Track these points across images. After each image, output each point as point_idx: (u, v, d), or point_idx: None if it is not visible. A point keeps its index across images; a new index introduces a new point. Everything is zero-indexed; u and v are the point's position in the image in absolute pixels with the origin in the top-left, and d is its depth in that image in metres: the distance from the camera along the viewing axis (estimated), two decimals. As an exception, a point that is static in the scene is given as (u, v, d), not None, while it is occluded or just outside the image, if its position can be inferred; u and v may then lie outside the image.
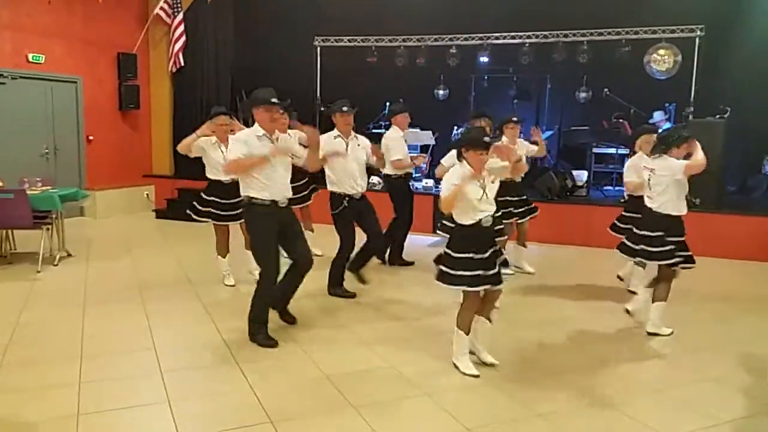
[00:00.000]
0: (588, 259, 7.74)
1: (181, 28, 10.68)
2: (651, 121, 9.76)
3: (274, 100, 4.39)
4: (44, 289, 5.98)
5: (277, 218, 4.45)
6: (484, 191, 3.93)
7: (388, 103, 10.74)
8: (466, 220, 3.95)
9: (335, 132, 5.68)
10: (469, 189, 3.87)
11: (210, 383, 3.93)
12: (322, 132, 5.61)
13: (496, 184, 4.04)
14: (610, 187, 9.78)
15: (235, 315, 4.94)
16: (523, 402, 3.71)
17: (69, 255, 7.17)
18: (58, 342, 4.55)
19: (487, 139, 3.95)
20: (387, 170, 6.75)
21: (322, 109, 10.89)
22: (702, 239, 5.92)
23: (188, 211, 6.08)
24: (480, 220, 3.91)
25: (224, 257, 6.12)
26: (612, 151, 9.99)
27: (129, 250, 7.69)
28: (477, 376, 4.00)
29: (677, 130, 5.19)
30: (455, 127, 10.40)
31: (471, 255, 3.91)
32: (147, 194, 10.76)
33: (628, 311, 5.27)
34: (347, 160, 5.51)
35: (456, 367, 4.10)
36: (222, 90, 10.99)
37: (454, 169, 4.02)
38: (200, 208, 5.99)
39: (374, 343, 4.61)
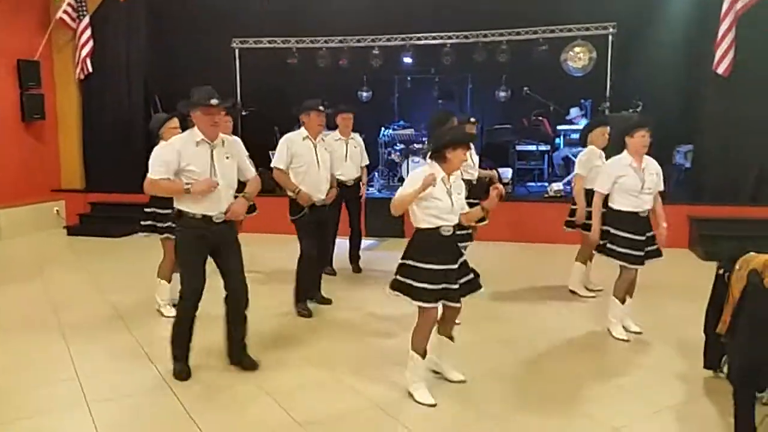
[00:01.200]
0: (518, 254, 7.86)
1: (88, 32, 10.05)
2: (567, 117, 10.10)
3: (213, 101, 3.84)
4: (-55, 319, 5.43)
5: (208, 235, 3.91)
6: (450, 198, 3.61)
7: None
8: (424, 225, 3.64)
9: (303, 132, 5.28)
10: (437, 192, 3.57)
11: (142, 411, 3.65)
12: (244, 138, 5.34)
13: (462, 196, 3.73)
14: (533, 183, 10.01)
15: (163, 336, 4.63)
16: (474, 404, 3.66)
17: (-28, 280, 6.57)
18: (-35, 378, 4.11)
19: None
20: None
21: (244, 113, 10.57)
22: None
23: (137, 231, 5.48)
24: (440, 227, 3.60)
25: (169, 281, 5.35)
26: (533, 148, 10.23)
27: (40, 271, 7.13)
28: (434, 405, 3.62)
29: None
30: (381, 129, 10.35)
31: (433, 266, 3.57)
32: (57, 210, 10.06)
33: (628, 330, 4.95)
34: (318, 168, 5.23)
35: (411, 395, 3.72)
36: (135, 96, 10.43)
37: (422, 169, 3.69)
38: (141, 222, 5.34)
39: (320, 358, 4.44)
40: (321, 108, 5.27)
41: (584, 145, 5.85)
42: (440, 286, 3.57)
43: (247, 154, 4.26)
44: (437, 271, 3.57)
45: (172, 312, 5.00)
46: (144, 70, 10.48)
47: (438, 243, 3.60)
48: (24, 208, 9.50)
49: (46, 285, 6.51)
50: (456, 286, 3.63)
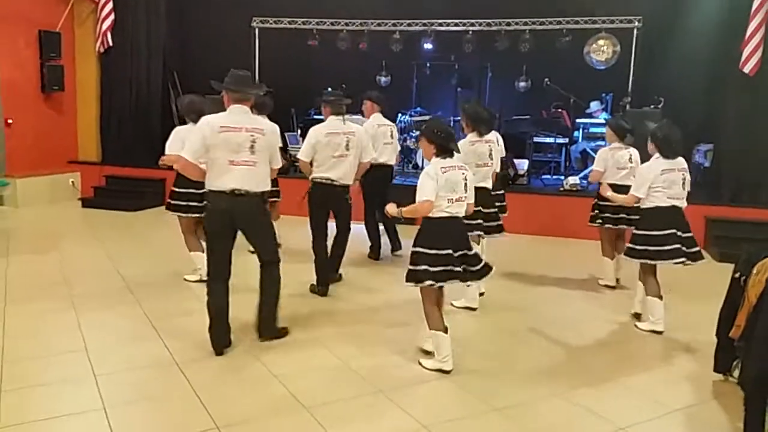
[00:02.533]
0: (533, 247, 7.81)
1: (110, 5, 10.03)
2: (587, 111, 9.97)
3: (255, 91, 4.14)
4: (-41, 286, 5.49)
5: (227, 211, 4.01)
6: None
7: (329, 89, 10.51)
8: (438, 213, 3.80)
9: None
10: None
11: (149, 386, 3.67)
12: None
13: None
14: (548, 176, 9.91)
15: (172, 311, 4.67)
16: (480, 396, 3.64)
17: (-13, 248, 6.64)
18: (-24, 345, 4.16)
19: None
20: None
21: (261, 93, 10.53)
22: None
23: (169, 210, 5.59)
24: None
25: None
26: (551, 140, 10.12)
27: (54, 243, 7.19)
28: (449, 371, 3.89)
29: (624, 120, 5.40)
30: (399, 114, 10.29)
31: (443, 251, 3.76)
32: (72, 182, 10.12)
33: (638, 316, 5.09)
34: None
35: (441, 371, 3.90)
36: (153, 71, 10.43)
37: (431, 167, 3.83)
38: (172, 201, 5.51)
39: (327, 340, 4.44)
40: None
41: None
42: (448, 267, 3.75)
43: (280, 144, 4.35)
44: (440, 255, 3.76)
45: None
46: (163, 46, 10.47)
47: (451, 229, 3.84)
48: (40, 179, 9.57)
49: (60, 256, 6.57)
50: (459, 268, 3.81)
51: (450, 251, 3.76)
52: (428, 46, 10.33)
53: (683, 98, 9.00)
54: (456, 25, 9.82)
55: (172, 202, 5.48)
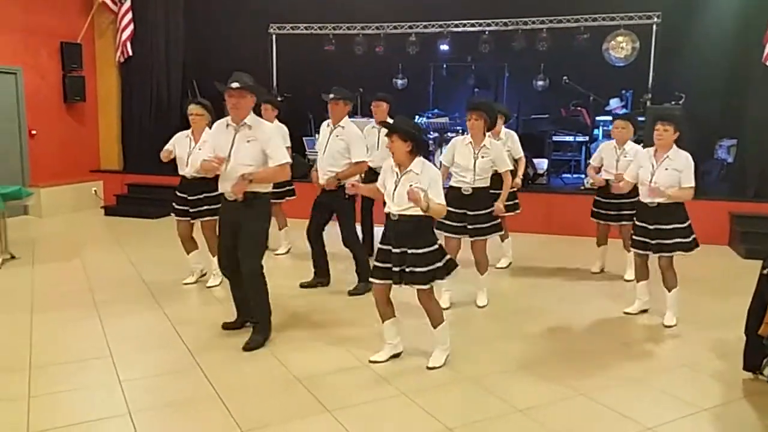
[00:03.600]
0: (554, 247, 7.74)
1: (129, 16, 10.19)
2: (607, 108, 9.86)
3: (234, 84, 4.07)
4: (-13, 294, 5.59)
5: (226, 207, 4.28)
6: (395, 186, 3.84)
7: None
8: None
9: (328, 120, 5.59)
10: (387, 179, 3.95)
11: (173, 392, 3.69)
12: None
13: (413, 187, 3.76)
14: (568, 175, 9.83)
15: (195, 317, 4.71)
16: (503, 397, 3.61)
17: (13, 257, 6.73)
18: (4, 352, 4.22)
19: None
20: None
21: (279, 99, 10.61)
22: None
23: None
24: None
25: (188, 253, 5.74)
26: (570, 138, 10.04)
27: (78, 251, 7.29)
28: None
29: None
30: (416, 116, 10.27)
31: (381, 245, 3.90)
32: (95, 190, 10.27)
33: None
34: (323, 153, 5.45)
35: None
36: (173, 80, 10.56)
37: (430, 165, 3.93)
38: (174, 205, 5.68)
39: (347, 341, 4.44)
40: (331, 96, 5.45)
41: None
42: (381, 265, 3.86)
43: (285, 144, 4.49)
44: (382, 250, 3.89)
45: (216, 281, 5.67)
46: (182, 55, 10.60)
47: (386, 225, 3.92)
48: (64, 188, 9.73)
49: (83, 264, 6.65)
50: (396, 269, 3.83)
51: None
52: (444, 47, 10.31)
53: (704, 93, 8.88)
54: (472, 25, 9.79)
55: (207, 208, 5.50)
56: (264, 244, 4.35)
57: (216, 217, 4.96)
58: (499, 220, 5.21)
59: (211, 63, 10.54)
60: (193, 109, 5.43)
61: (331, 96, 5.43)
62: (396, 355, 4.08)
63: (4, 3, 8.96)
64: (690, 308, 5.20)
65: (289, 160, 4.31)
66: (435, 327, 4.02)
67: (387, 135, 3.84)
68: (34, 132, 9.52)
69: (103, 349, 4.28)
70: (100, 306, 5.20)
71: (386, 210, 3.88)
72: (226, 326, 4.56)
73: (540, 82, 10.24)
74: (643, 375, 3.97)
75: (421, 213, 3.74)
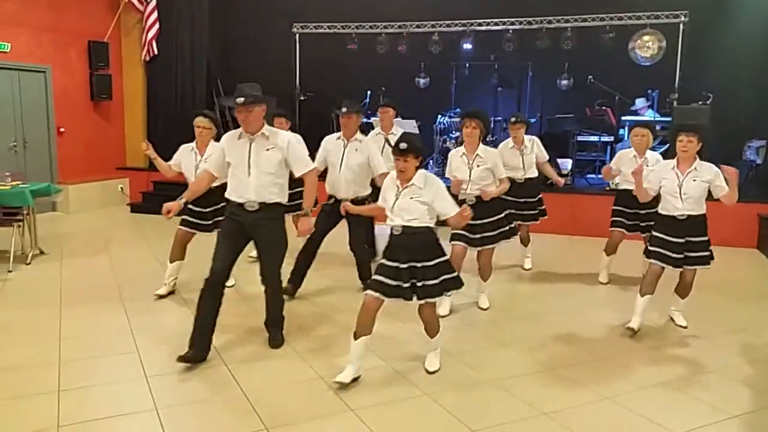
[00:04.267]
0: (578, 248, 7.67)
1: (155, 15, 10.32)
2: (633, 108, 9.74)
3: (239, 99, 3.94)
4: (17, 289, 5.69)
5: (237, 222, 4.12)
6: (396, 198, 3.76)
7: (369, 92, 10.57)
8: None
9: (337, 134, 5.42)
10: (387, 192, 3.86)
11: (200, 388, 3.72)
12: (301, 124, 5.40)
13: (414, 199, 3.70)
14: (593, 175, 9.73)
15: (221, 315, 4.72)
16: (528, 400, 3.59)
17: (42, 253, 6.86)
18: (34, 346, 4.29)
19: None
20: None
21: (302, 98, 10.67)
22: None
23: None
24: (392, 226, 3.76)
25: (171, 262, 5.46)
26: (595, 138, 9.93)
27: (105, 247, 7.40)
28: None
29: None
30: (438, 116, 10.25)
31: (385, 261, 3.76)
32: (121, 187, 10.42)
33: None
34: (339, 167, 5.30)
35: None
36: (197, 79, 10.67)
37: (433, 174, 3.90)
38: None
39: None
40: (343, 110, 5.27)
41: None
42: (388, 281, 3.68)
43: (304, 152, 4.29)
44: (389, 267, 3.71)
45: (163, 291, 5.45)
46: (206, 54, 10.69)
47: (390, 241, 3.78)
48: (91, 185, 9.88)
49: (110, 260, 6.75)
50: (407, 285, 3.68)
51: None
52: (467, 46, 10.28)
53: (733, 93, 8.75)
54: (496, 24, 9.75)
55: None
56: (284, 255, 4.26)
57: None
58: (507, 227, 5.06)
59: (235, 62, 10.64)
60: (199, 121, 5.31)
61: (344, 110, 5.23)
62: (355, 379, 3.77)
63: (33, 3, 9.12)
64: (718, 312, 5.13)
65: (315, 165, 4.31)
66: (432, 337, 3.97)
67: (399, 155, 3.66)
68: (62, 130, 9.69)
69: (130, 345, 4.34)
70: (126, 302, 5.27)
71: (388, 224, 3.78)
72: (183, 359, 3.97)
73: (564, 82, 10.15)
74: (670, 380, 3.91)
75: (424, 224, 3.69)
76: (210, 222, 5.34)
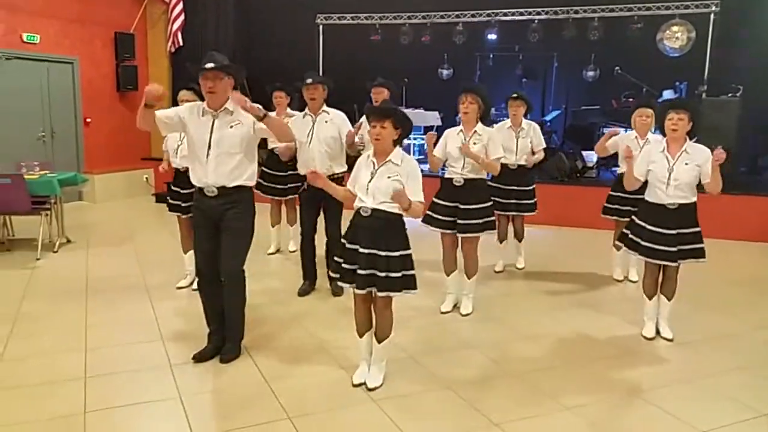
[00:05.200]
0: (600, 242, 7.57)
1: (180, 6, 10.39)
2: (660, 100, 9.57)
3: (208, 64, 3.55)
4: (44, 277, 5.79)
5: (203, 205, 3.76)
6: (370, 177, 3.41)
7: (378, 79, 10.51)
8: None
9: (302, 112, 5.16)
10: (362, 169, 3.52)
11: (223, 377, 3.75)
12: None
13: (389, 180, 3.36)
14: (618, 168, 9.56)
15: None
16: (550, 395, 3.56)
17: (69, 241, 6.98)
18: (61, 333, 4.37)
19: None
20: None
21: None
22: (713, 221, 5.68)
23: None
24: (359, 207, 3.43)
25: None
26: (621, 131, 9.73)
27: (131, 236, 7.50)
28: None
29: None
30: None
31: (345, 242, 3.49)
32: (146, 178, 10.53)
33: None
34: (309, 142, 4.94)
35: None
36: (222, 70, 10.70)
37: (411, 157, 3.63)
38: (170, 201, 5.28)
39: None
40: (308, 81, 4.97)
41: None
42: (347, 266, 3.45)
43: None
44: (346, 249, 3.46)
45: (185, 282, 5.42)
46: (231, 45, 10.71)
47: (355, 221, 3.48)
48: (116, 175, 10.01)
49: (136, 249, 6.84)
50: (363, 272, 3.38)
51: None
52: (492, 36, 10.19)
53: (764, 85, 8.52)
54: (521, 14, 9.63)
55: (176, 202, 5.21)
56: (249, 244, 3.85)
57: None
58: (494, 218, 4.74)
59: (259, 54, 10.65)
60: (183, 95, 4.97)
61: (309, 80, 4.96)
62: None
63: (61, -6, 9.23)
64: (743, 308, 5.03)
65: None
66: (380, 341, 3.54)
67: (375, 119, 3.35)
68: (88, 120, 9.81)
69: (155, 333, 4.40)
70: (151, 290, 5.34)
71: (357, 204, 3.44)
72: (198, 358, 3.91)
73: (590, 73, 10.03)
74: (695, 376, 3.85)
75: (396, 209, 3.35)
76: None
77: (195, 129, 3.71)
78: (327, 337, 4.34)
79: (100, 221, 8.47)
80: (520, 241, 6.20)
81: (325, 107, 5.04)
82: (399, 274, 3.36)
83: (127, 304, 5.02)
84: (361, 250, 3.38)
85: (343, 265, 3.46)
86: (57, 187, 6.52)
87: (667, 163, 4.13)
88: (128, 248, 6.88)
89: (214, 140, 3.64)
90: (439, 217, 4.65)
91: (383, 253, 3.35)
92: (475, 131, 4.60)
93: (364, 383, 3.58)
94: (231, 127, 3.67)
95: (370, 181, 3.39)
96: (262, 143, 5.21)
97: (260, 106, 3.62)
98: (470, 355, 4.05)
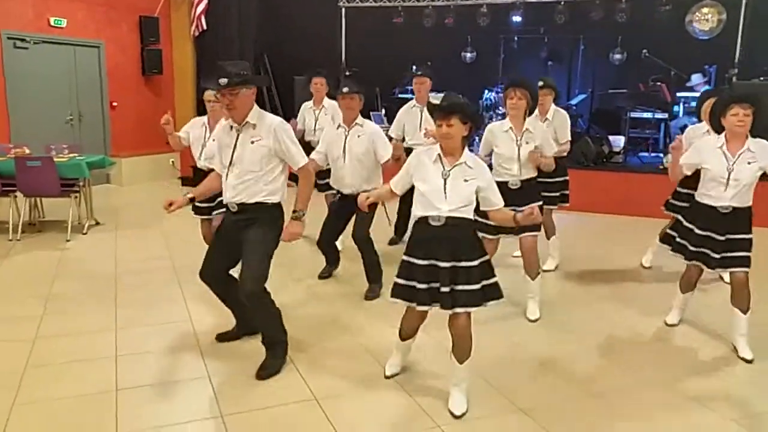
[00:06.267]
0: (629, 228, 7.49)
1: (204, -10, 10.41)
2: (688, 84, 9.39)
3: (222, 80, 3.31)
4: (74, 258, 5.91)
5: (227, 220, 3.67)
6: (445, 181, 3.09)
7: (414, 67, 10.46)
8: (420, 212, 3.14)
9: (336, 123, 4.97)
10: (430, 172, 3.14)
11: (250, 358, 3.77)
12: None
13: (467, 182, 3.09)
14: (646, 154, 9.45)
15: (275, 289, 4.81)
16: (579, 382, 3.56)
17: (97, 223, 7.10)
18: (92, 313, 4.47)
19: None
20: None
21: (347, 73, 10.63)
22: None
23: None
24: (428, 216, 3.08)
25: None
26: (649, 115, 9.62)
27: (158, 219, 7.58)
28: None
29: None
30: (485, 91, 10.09)
31: (414, 260, 3.11)
32: (173, 161, 10.64)
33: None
34: (342, 157, 4.75)
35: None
36: (245, 55, 10.71)
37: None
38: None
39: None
40: (345, 90, 4.69)
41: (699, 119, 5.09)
42: (412, 283, 3.10)
43: (292, 141, 3.51)
44: (418, 266, 3.09)
45: None
46: (255, 29, 10.75)
47: (421, 234, 3.14)
48: (143, 158, 10.13)
49: (163, 231, 6.94)
50: (446, 289, 3.04)
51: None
52: (517, 18, 10.05)
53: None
54: (547, -5, 9.48)
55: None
56: (268, 259, 3.53)
57: None
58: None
59: (282, 37, 10.66)
60: (210, 95, 4.69)
61: (345, 89, 4.71)
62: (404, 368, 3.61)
63: (88, -22, 9.31)
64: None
65: (306, 160, 3.59)
66: (462, 362, 3.18)
67: (440, 117, 3.03)
68: (115, 104, 9.93)
69: (183, 313, 4.48)
70: (178, 271, 5.42)
71: (426, 213, 3.07)
72: (221, 338, 4.01)
73: (617, 56, 9.85)
74: (724, 364, 3.82)
75: (471, 215, 3.09)
76: (216, 204, 4.84)
77: (222, 143, 3.58)
78: (359, 324, 4.36)
79: (128, 204, 8.60)
80: (549, 238, 5.60)
81: (359, 119, 4.78)
82: (478, 285, 3.05)
83: (155, 285, 5.11)
84: (441, 264, 3.04)
85: (418, 286, 3.08)
86: (86, 170, 6.62)
87: (726, 161, 3.76)
88: (156, 231, 6.98)
89: (237, 156, 3.47)
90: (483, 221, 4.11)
91: (463, 264, 3.03)
92: (527, 129, 4.34)
93: (450, 411, 3.18)
94: (252, 142, 3.45)
95: (445, 186, 3.05)
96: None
97: (296, 218, 3.53)
98: (492, 340, 4.05)
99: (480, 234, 3.85)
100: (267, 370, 3.57)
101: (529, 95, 4.31)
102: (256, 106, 3.51)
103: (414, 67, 10.30)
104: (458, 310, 3.05)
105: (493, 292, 3.12)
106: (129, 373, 3.56)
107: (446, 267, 3.02)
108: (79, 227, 6.77)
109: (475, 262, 3.05)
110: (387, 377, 3.53)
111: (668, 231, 4.25)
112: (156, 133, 10.49)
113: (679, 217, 4.16)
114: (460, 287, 3.03)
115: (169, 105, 10.97)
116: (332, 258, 5.30)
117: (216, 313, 4.44)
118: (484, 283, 3.08)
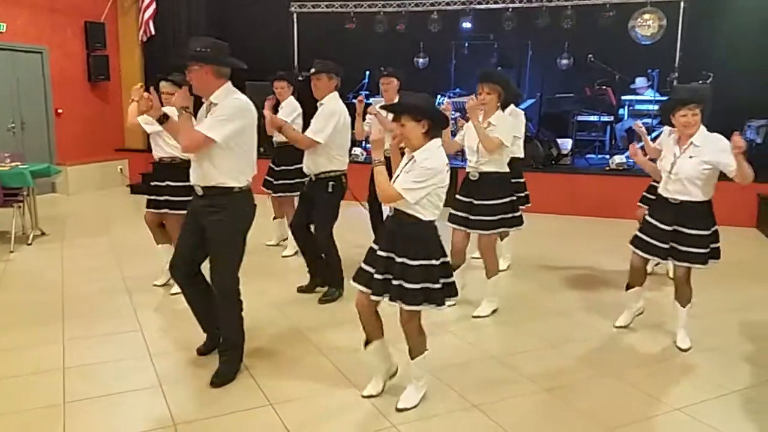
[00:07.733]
0: (578, 227, 7.69)
1: (151, -6, 10.23)
2: (633, 87, 9.71)
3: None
4: (19, 269, 5.71)
5: (192, 207, 3.51)
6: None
7: (368, 72, 10.50)
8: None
9: None
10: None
11: (206, 368, 3.71)
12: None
13: (408, 174, 3.04)
14: (593, 156, 9.72)
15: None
16: (532, 378, 3.63)
17: (43, 234, 6.87)
18: (38, 326, 4.31)
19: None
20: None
21: (300, 78, 10.58)
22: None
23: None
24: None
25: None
26: (595, 118, 9.91)
27: (106, 228, 7.41)
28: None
29: None
30: (438, 96, 10.20)
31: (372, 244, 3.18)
32: (121, 169, 10.40)
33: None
34: None
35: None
36: (195, 59, 10.59)
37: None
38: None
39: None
40: (312, 70, 4.83)
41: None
42: (366, 268, 3.14)
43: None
44: (371, 250, 3.18)
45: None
46: (204, 34, 10.56)
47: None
48: (90, 166, 9.87)
49: (111, 240, 6.76)
50: (379, 276, 3.07)
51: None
52: (467, 25, 10.20)
53: (734, 73, 8.70)
54: (495, 2, 9.67)
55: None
56: (239, 255, 3.45)
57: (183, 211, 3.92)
58: (510, 214, 4.42)
59: (233, 41, 10.45)
60: (164, 87, 4.66)
61: (313, 69, 4.82)
62: (392, 376, 3.44)
63: (29, -18, 9.03)
64: (718, 291, 5.15)
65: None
66: (413, 357, 3.19)
67: (394, 118, 3.08)
68: (60, 111, 9.64)
69: (133, 323, 4.37)
70: (128, 281, 5.29)
71: (431, 218, 3.09)
72: (201, 352, 3.85)
73: (564, 61, 10.09)
74: (669, 355, 3.96)
75: (417, 213, 3.02)
76: (164, 199, 5.00)
77: (198, 120, 3.44)
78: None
79: (75, 213, 8.35)
80: (502, 239, 5.65)
81: (323, 99, 4.77)
82: (418, 286, 2.99)
83: (103, 295, 4.97)
84: (379, 252, 3.10)
85: (364, 267, 3.18)
86: (29, 179, 6.40)
87: (674, 156, 3.89)
88: (104, 240, 6.80)
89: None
90: (454, 212, 4.42)
91: (399, 260, 3.03)
92: (489, 122, 4.30)
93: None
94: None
95: (397, 179, 3.08)
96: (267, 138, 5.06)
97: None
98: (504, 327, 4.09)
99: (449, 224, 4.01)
100: (221, 378, 3.49)
101: (500, 88, 4.29)
102: (227, 86, 3.38)
103: (368, 73, 10.42)
104: (393, 303, 3.05)
105: (435, 298, 3.02)
106: (77, 385, 3.46)
107: (383, 256, 3.08)
108: (24, 238, 6.55)
109: (415, 262, 2.99)
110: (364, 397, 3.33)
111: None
112: (104, 141, 10.34)
113: (645, 215, 4.18)
114: (396, 282, 3.02)
115: (118, 111, 10.72)
116: (313, 265, 5.01)
117: (167, 321, 4.37)
118: (425, 285, 3.00)
